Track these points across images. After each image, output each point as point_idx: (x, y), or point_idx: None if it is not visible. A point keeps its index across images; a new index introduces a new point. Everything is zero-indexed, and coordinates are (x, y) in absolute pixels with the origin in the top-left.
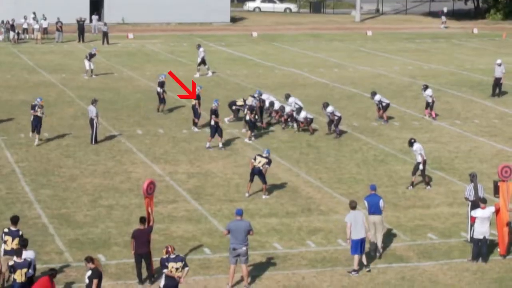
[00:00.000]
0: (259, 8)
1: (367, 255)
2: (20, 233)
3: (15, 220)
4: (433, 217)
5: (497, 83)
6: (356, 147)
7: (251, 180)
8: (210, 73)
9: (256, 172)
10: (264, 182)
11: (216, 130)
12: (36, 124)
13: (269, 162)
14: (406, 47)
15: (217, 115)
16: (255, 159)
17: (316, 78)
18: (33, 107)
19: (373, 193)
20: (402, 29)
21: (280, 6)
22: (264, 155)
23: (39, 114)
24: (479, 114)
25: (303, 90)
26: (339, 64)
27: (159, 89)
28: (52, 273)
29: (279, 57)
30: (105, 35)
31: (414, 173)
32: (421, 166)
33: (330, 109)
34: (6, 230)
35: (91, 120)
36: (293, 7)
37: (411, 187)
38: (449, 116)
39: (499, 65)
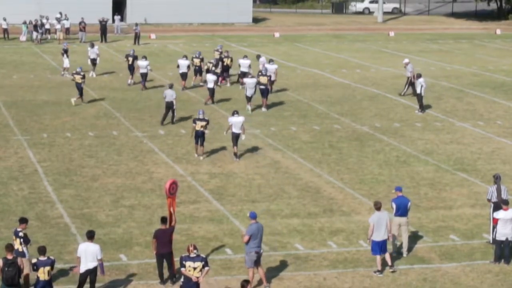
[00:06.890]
0: (368, 8)
1: (390, 255)
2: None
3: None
4: (455, 218)
5: (409, 82)
6: (378, 148)
7: (197, 142)
8: (94, 75)
9: (200, 135)
10: (202, 144)
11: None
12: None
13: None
14: (428, 48)
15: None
16: (195, 122)
17: (338, 78)
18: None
19: (401, 195)
20: (424, 29)
21: (388, 6)
22: (201, 116)
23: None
24: (502, 115)
25: (325, 90)
26: (362, 64)
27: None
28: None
29: (301, 58)
30: (136, 35)
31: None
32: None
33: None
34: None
35: (170, 103)
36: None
37: (237, 159)
38: (472, 117)
39: (407, 64)
